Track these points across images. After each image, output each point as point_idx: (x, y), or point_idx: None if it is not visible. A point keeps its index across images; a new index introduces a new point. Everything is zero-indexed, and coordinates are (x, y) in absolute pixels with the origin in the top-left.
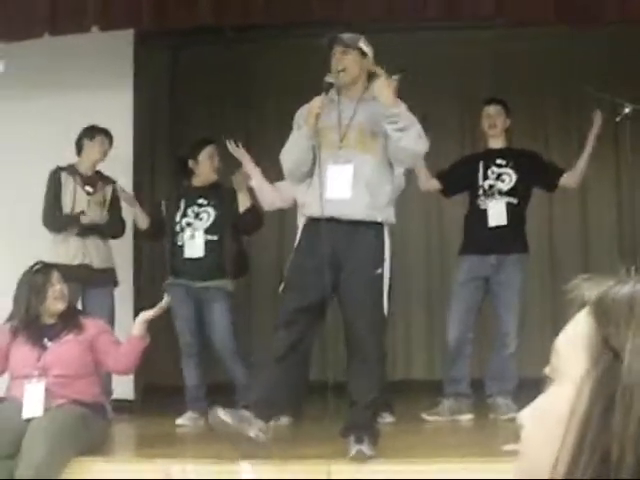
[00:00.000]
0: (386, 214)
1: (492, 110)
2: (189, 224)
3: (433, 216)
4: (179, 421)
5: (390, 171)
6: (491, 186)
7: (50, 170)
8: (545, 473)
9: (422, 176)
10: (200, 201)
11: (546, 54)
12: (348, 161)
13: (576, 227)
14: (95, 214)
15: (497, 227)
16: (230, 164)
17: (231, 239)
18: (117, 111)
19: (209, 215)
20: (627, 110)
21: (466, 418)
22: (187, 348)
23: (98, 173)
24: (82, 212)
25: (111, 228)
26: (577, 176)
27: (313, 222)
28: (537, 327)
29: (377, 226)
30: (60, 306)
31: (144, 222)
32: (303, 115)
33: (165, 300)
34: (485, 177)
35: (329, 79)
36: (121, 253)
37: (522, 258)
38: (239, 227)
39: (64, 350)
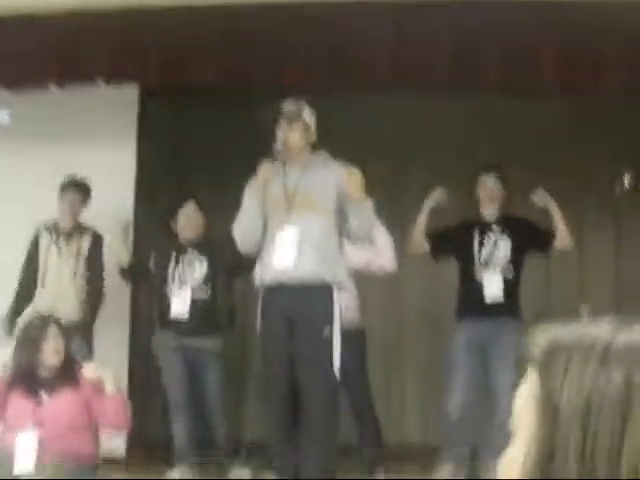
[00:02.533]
0: (334, 273)
1: (489, 181)
2: (181, 276)
3: (428, 281)
4: (170, 476)
5: (337, 232)
6: (488, 258)
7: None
8: None
9: (417, 236)
10: (190, 251)
11: (545, 119)
12: (293, 226)
13: (573, 293)
14: (69, 267)
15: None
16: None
17: (224, 294)
18: (120, 166)
19: (201, 266)
20: (626, 181)
21: None
22: (178, 407)
23: (78, 225)
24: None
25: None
26: (564, 237)
27: (268, 291)
28: None
29: (325, 287)
30: (54, 361)
31: (124, 258)
32: (252, 186)
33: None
34: (481, 247)
35: (277, 147)
36: (119, 299)
37: (518, 325)
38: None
39: (60, 403)
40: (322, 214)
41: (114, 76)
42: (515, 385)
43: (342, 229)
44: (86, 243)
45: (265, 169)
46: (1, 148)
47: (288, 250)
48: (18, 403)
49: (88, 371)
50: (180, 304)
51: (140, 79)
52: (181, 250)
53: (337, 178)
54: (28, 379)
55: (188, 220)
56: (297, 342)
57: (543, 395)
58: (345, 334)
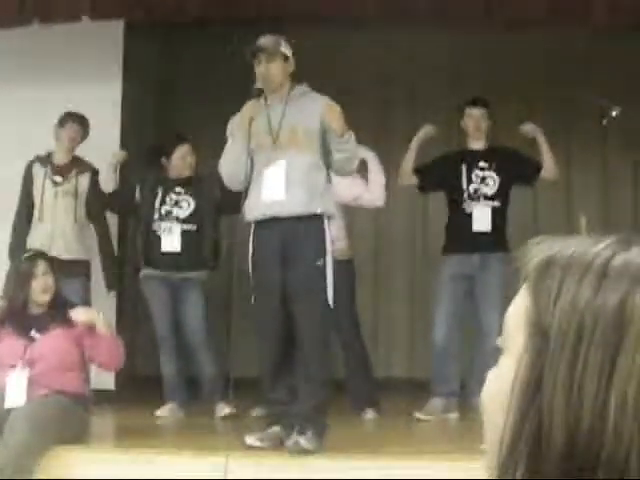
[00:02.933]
0: (324, 205)
1: (476, 112)
2: (168, 213)
3: (417, 215)
4: (158, 412)
5: (324, 165)
6: (476, 190)
7: (27, 162)
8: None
9: (405, 170)
10: (178, 189)
11: (532, 53)
12: (280, 161)
13: (561, 228)
14: (66, 205)
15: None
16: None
17: (211, 230)
18: (105, 101)
19: (189, 204)
20: (614, 113)
21: (454, 417)
22: (164, 341)
23: (75, 160)
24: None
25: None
26: (550, 167)
27: (258, 225)
28: None
29: (316, 218)
30: (44, 298)
31: (109, 185)
32: (236, 123)
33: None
34: (469, 181)
35: (257, 85)
36: None
37: (505, 257)
38: None
39: (51, 342)
40: (307, 151)
41: (99, 12)
42: (501, 315)
43: (328, 162)
44: (85, 181)
45: (249, 106)
46: None
47: (276, 185)
48: (9, 342)
49: (78, 314)
50: (170, 239)
51: (125, 14)
52: (169, 187)
53: (319, 109)
54: (19, 317)
55: (182, 161)
56: (290, 274)
57: (534, 313)
58: (334, 265)
